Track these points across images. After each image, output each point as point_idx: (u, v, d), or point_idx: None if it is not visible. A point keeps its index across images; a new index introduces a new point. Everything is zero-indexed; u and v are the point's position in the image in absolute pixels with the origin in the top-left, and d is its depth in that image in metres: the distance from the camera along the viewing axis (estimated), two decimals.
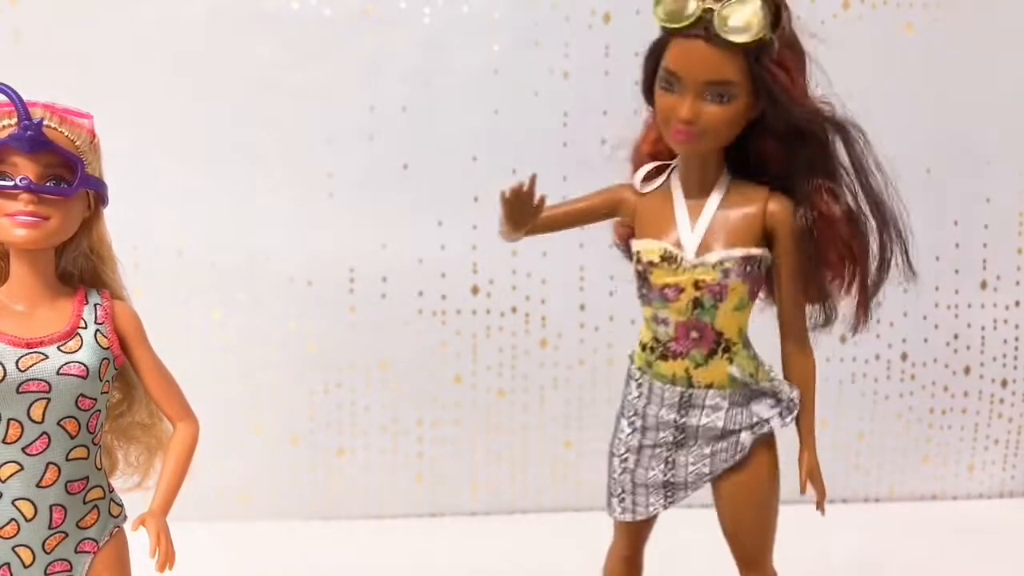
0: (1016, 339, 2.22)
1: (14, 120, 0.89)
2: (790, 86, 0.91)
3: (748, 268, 0.94)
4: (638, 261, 0.99)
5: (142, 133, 1.95)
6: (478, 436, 2.14)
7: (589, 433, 2.14)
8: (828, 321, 1.03)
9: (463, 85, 2.03)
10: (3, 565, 0.91)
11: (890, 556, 1.85)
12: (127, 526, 1.00)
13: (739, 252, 0.94)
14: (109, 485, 1.00)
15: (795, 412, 1.01)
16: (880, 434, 2.21)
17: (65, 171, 0.92)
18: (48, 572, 0.93)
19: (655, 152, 1.06)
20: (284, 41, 1.99)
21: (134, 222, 1.92)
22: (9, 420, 0.90)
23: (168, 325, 1.97)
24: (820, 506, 1.08)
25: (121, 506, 1.01)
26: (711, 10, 0.89)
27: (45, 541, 0.92)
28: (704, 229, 0.95)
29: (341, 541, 1.96)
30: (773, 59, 0.90)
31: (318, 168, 2.04)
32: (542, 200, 0.95)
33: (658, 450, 1.01)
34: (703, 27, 0.90)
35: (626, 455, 1.04)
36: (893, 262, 0.98)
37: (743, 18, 0.88)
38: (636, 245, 1.00)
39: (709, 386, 0.98)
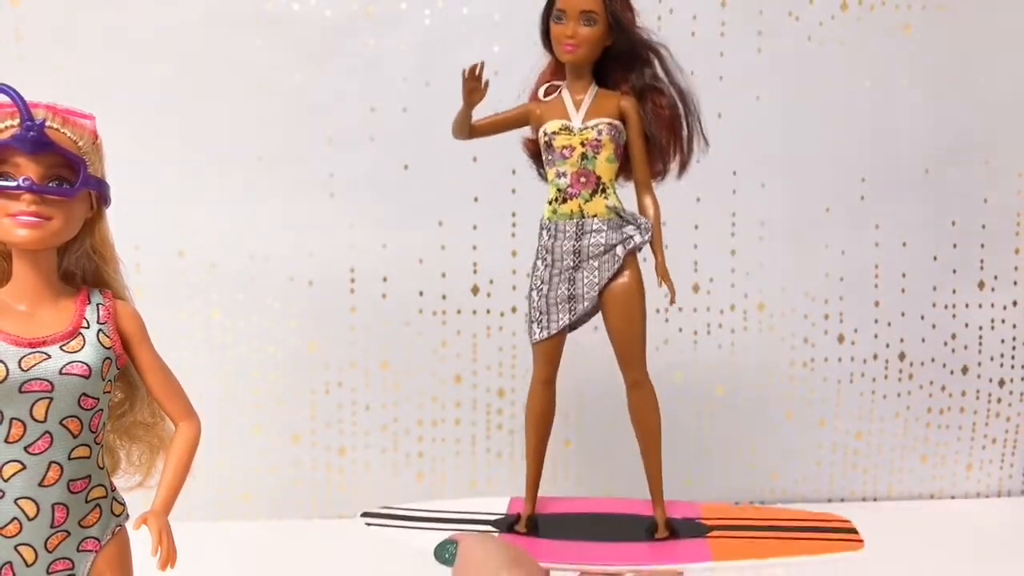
0: (1014, 339, 2.23)
1: (16, 121, 0.89)
2: (627, 18, 1.45)
3: (612, 132, 1.45)
4: (544, 134, 1.47)
5: (143, 133, 1.95)
6: (478, 436, 2.14)
7: (589, 432, 2.14)
8: (665, 172, 1.51)
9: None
10: (5, 564, 0.92)
11: (889, 555, 1.85)
12: (129, 525, 1.00)
13: (606, 119, 1.45)
14: (111, 484, 1.00)
15: (650, 233, 1.46)
16: (878, 433, 2.22)
17: (67, 172, 0.92)
18: (50, 571, 0.94)
19: (551, 80, 1.56)
20: (284, 42, 2.00)
21: (136, 223, 1.93)
22: (11, 419, 0.90)
23: (169, 325, 2.00)
24: (672, 299, 1.47)
25: (123, 505, 1.02)
26: None
27: (47, 540, 0.93)
28: (584, 111, 1.47)
29: (341, 541, 1.96)
30: (617, 1, 1.45)
31: (319, 168, 2.04)
32: (486, 84, 1.48)
33: (563, 274, 1.46)
34: None
35: (541, 285, 1.48)
36: (696, 130, 1.50)
37: None
38: (543, 126, 1.48)
39: (594, 216, 1.45)
